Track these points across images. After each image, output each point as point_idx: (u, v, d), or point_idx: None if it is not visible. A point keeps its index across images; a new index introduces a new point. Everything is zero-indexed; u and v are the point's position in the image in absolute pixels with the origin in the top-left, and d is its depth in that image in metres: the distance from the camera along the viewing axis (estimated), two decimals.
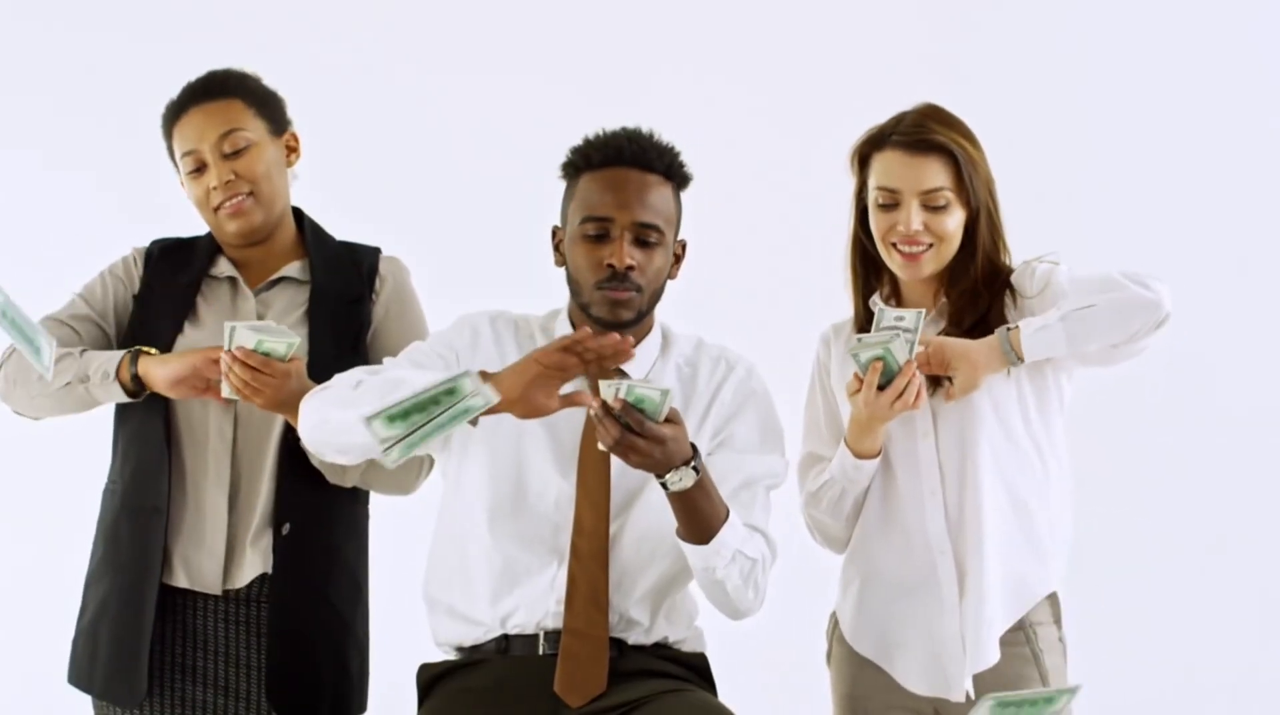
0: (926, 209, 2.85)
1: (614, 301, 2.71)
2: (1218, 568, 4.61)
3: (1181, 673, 4.57)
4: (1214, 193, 4.67)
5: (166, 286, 3.01)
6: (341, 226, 3.15)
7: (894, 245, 2.87)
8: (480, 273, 4.17)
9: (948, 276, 2.91)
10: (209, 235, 3.09)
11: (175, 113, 3.01)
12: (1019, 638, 2.90)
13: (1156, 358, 2.92)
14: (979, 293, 2.89)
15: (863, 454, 2.85)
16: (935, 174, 2.85)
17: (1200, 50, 4.68)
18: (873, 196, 2.88)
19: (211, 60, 3.09)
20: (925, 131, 2.86)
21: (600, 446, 2.56)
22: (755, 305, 4.39)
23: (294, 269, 3.05)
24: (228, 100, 2.99)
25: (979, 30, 4.70)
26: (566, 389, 2.60)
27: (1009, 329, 2.80)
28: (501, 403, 2.52)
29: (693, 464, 2.56)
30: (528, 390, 2.53)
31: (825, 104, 4.59)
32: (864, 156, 2.91)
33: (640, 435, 2.51)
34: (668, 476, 2.56)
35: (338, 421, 2.63)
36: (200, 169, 2.98)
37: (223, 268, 3.05)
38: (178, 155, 3.01)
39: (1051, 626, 2.93)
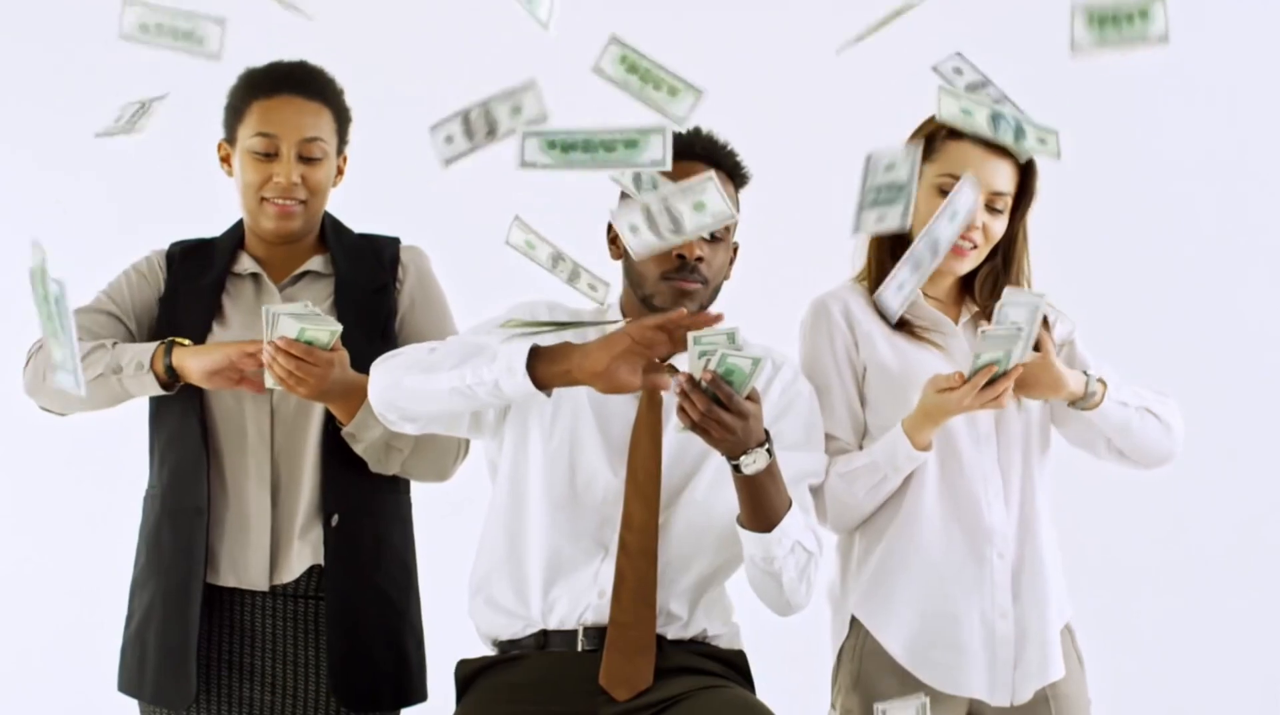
0: (988, 209, 2.87)
1: (681, 291, 2.69)
2: (1225, 577, 4.63)
3: (1187, 685, 4.58)
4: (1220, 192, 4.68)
5: (191, 287, 2.98)
6: (357, 223, 3.14)
7: None
8: (496, 268, 4.14)
9: (973, 284, 2.94)
10: (228, 233, 3.07)
11: (266, 89, 2.95)
12: (1066, 636, 2.94)
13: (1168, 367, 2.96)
14: None
15: (921, 446, 2.81)
16: (1006, 178, 2.88)
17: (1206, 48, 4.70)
18: (937, 182, 2.87)
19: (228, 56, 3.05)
20: None
21: (678, 427, 2.51)
22: (759, 304, 4.37)
23: (316, 263, 3.03)
24: (322, 104, 2.96)
25: (980, 32, 4.68)
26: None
27: (1099, 380, 2.84)
28: (586, 375, 2.49)
29: (766, 446, 2.54)
30: (614, 364, 2.49)
31: (824, 105, 4.59)
32: (936, 140, 2.89)
33: (728, 410, 2.47)
34: (742, 458, 2.54)
35: (410, 386, 2.61)
36: (270, 157, 2.93)
37: (245, 264, 3.02)
38: (249, 129, 2.94)
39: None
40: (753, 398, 2.51)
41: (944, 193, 2.85)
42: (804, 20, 4.65)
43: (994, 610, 2.86)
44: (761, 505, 2.60)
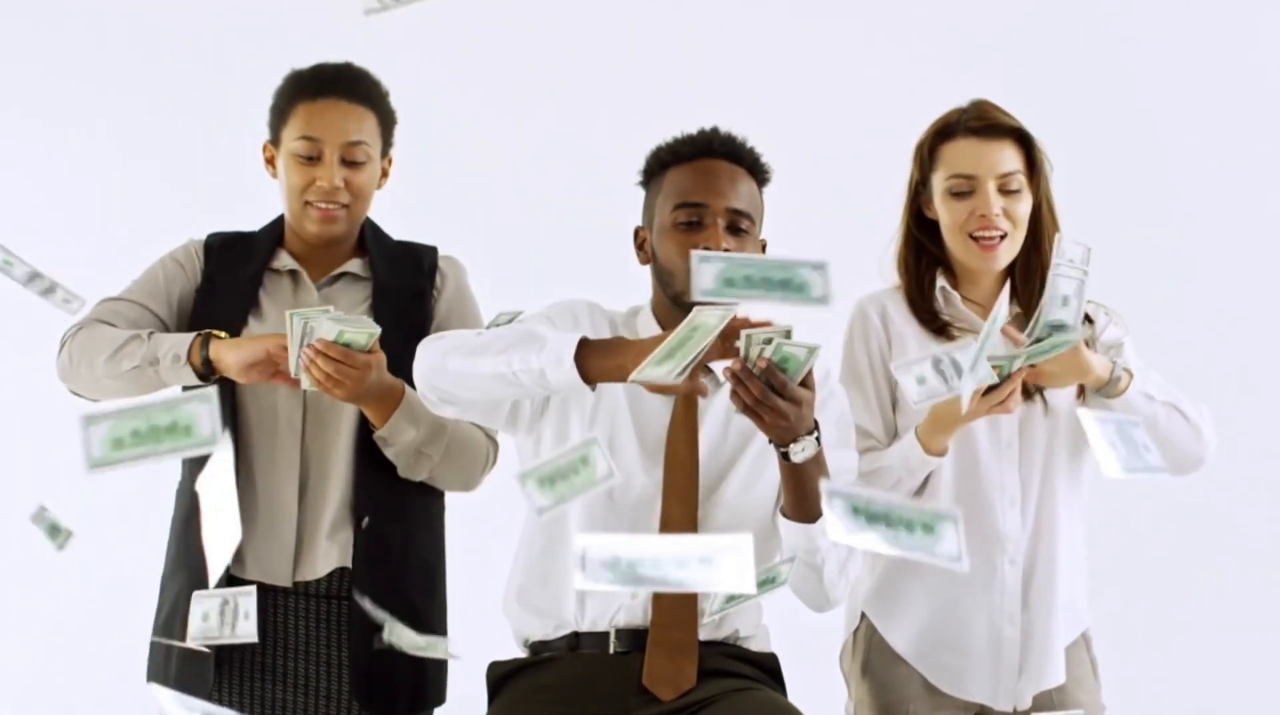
0: (1002, 193, 2.86)
1: None
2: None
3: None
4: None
5: (229, 280, 2.97)
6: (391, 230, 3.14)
7: (970, 235, 2.87)
8: (526, 276, 4.15)
9: (1015, 275, 2.91)
10: (267, 228, 3.06)
11: (310, 91, 2.95)
12: (1079, 643, 2.94)
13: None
14: None
15: (934, 451, 2.82)
16: (1009, 157, 2.87)
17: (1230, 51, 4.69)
18: (945, 187, 2.89)
19: (259, 61, 3.04)
20: (995, 118, 2.89)
21: (731, 409, 2.50)
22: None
23: (355, 266, 3.03)
24: (367, 108, 2.96)
25: (988, 34, 4.69)
26: None
27: (1126, 370, 2.81)
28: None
29: (815, 434, 2.54)
30: None
31: (849, 105, 4.59)
32: (931, 149, 2.91)
33: (782, 396, 2.46)
34: (792, 446, 2.53)
35: (454, 368, 2.60)
36: (313, 160, 2.93)
37: (284, 261, 3.02)
38: (292, 132, 2.94)
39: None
40: (806, 385, 2.50)
41: (954, 194, 2.88)
42: (829, 23, 4.67)
43: (1002, 616, 2.87)
44: (807, 494, 2.59)
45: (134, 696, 3.11)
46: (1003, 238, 2.86)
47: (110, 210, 4.62)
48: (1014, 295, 2.91)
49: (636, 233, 2.82)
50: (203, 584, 2.88)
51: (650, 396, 2.74)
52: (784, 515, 2.63)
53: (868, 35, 4.72)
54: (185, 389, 2.96)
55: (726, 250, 2.68)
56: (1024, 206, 2.88)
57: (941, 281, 2.93)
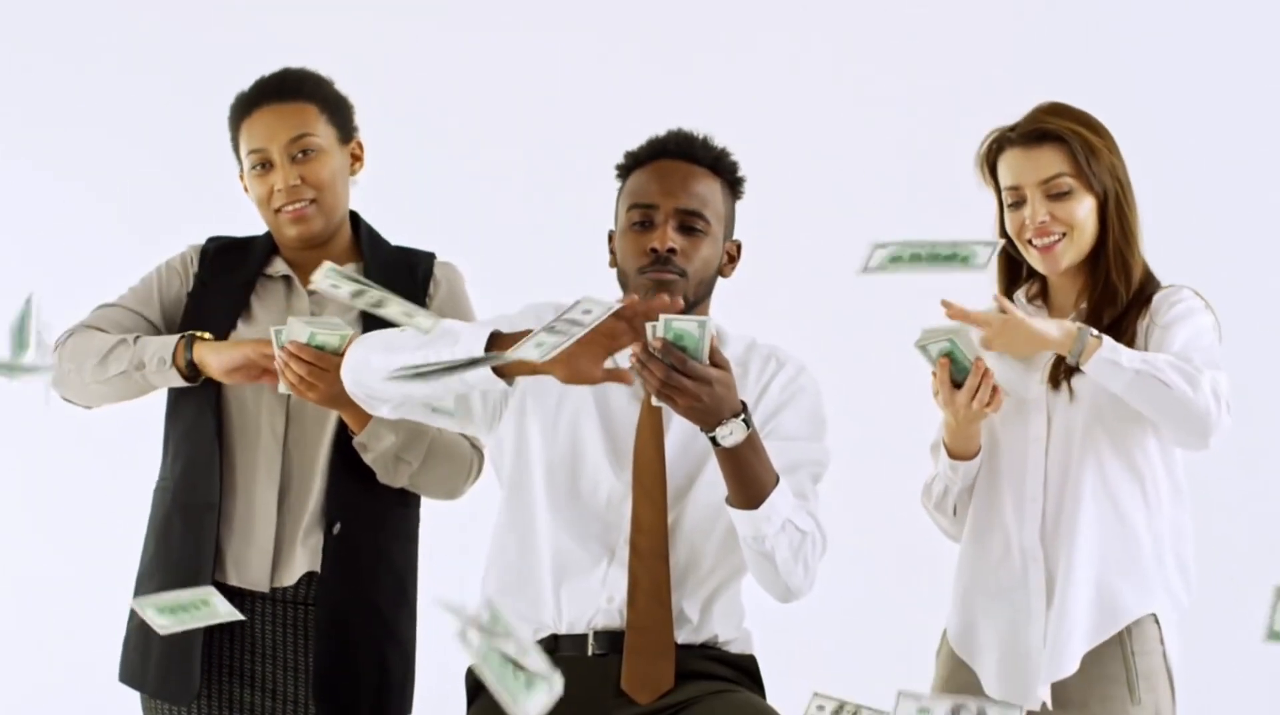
0: (1051, 199, 2.86)
1: (657, 282, 2.68)
2: None
3: None
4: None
5: (222, 284, 3.00)
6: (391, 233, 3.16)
7: (1029, 242, 2.88)
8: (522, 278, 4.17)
9: (1091, 272, 2.91)
10: (265, 235, 3.09)
11: (246, 108, 3.00)
12: (1114, 653, 2.86)
13: None
14: (1115, 289, 2.87)
15: (957, 454, 2.85)
16: (1052, 162, 2.86)
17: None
18: (1004, 199, 2.91)
19: (240, 57, 3.06)
20: (1037, 124, 2.89)
21: (653, 400, 2.53)
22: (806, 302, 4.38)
23: (348, 271, 3.02)
24: (301, 103, 2.98)
25: (987, 37, 4.68)
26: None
27: (1094, 335, 2.74)
28: (543, 363, 2.45)
29: (743, 417, 2.54)
30: (572, 353, 2.45)
31: (869, 100, 4.59)
32: (992, 166, 2.93)
33: (686, 375, 2.47)
34: (718, 430, 2.53)
35: (376, 365, 2.63)
36: (266, 168, 2.97)
37: (278, 267, 3.05)
38: (244, 151, 3.00)
39: (1157, 647, 2.87)
40: (719, 364, 2.50)
41: (1010, 206, 2.90)
42: (830, 23, 4.67)
43: (1029, 616, 2.85)
44: (746, 480, 2.58)
45: (108, 693, 3.17)
46: (1062, 237, 2.86)
47: (112, 214, 4.66)
48: (1086, 291, 2.90)
49: (610, 237, 2.83)
50: (183, 584, 2.91)
51: (616, 398, 2.74)
52: (729, 504, 2.62)
53: (868, 37, 4.72)
54: (170, 391, 3.00)
55: (672, 250, 2.69)
56: (1079, 206, 2.86)
57: (1020, 289, 2.96)
